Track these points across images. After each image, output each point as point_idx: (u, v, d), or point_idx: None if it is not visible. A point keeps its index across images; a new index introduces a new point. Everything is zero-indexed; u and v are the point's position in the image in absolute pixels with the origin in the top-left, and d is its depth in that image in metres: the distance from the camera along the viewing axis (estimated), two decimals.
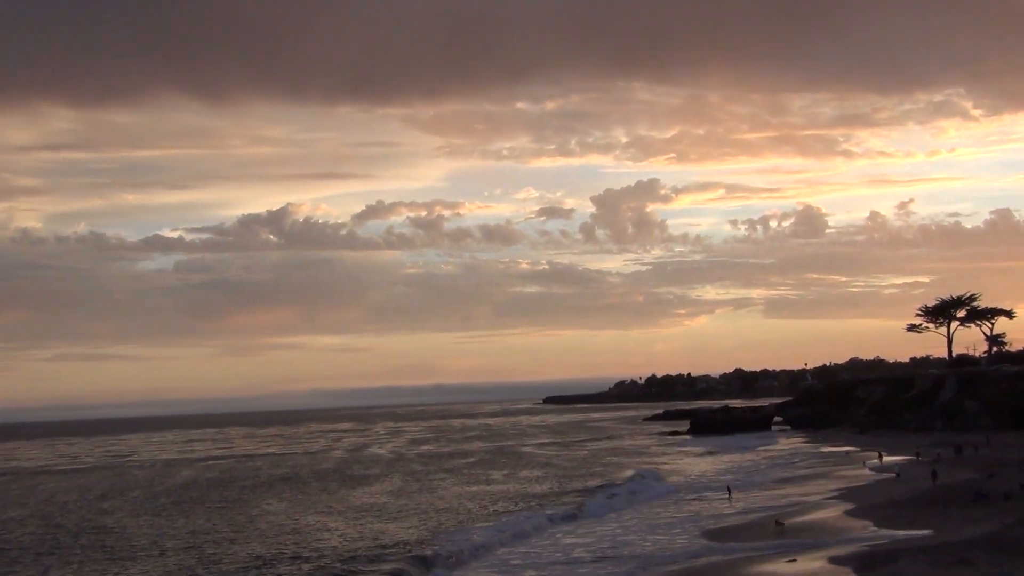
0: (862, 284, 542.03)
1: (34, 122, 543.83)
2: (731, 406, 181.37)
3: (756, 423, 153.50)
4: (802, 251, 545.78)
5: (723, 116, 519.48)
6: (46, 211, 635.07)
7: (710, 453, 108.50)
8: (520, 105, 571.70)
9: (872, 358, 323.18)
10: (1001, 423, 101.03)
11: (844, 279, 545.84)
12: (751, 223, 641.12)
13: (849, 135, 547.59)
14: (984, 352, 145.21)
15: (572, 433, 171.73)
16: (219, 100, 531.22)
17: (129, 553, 49.34)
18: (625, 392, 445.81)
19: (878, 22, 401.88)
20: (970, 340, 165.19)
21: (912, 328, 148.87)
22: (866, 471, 75.98)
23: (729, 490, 66.38)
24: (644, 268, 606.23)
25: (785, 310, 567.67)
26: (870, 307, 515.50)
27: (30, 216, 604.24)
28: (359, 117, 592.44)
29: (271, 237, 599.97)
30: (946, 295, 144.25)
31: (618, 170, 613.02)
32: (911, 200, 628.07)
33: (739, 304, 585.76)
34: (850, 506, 53.77)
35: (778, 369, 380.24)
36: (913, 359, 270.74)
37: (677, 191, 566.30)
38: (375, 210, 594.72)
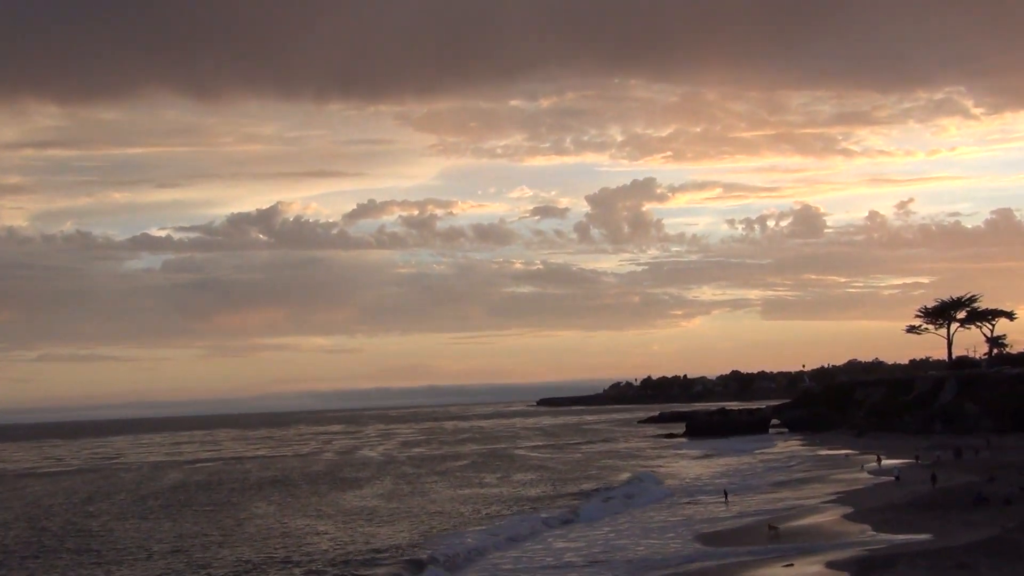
0: (861, 285, 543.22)
1: (20, 119, 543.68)
2: (728, 408, 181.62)
3: (753, 426, 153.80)
4: (800, 251, 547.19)
5: (720, 114, 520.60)
6: (32, 209, 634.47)
7: (706, 456, 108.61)
8: (514, 102, 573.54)
9: (871, 360, 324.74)
10: (1002, 426, 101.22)
11: (843, 280, 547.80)
12: (748, 223, 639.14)
13: (848, 133, 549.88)
14: (984, 354, 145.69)
15: (566, 436, 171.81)
16: (208, 97, 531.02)
17: (115, 557, 49.28)
18: (620, 394, 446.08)
19: (878, 19, 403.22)
20: (970, 342, 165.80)
21: (911, 329, 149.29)
22: (864, 474, 76.09)
23: (726, 494, 66.46)
24: (640, 268, 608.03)
25: (783, 311, 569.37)
26: (869, 308, 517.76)
27: (16, 215, 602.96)
28: (351, 114, 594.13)
29: (261, 236, 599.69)
30: (946, 296, 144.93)
31: (614, 169, 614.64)
32: (911, 199, 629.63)
33: (736, 305, 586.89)
34: (848, 510, 53.84)
35: (775, 371, 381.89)
36: (912, 361, 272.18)
37: (673, 190, 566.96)
38: (367, 209, 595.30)
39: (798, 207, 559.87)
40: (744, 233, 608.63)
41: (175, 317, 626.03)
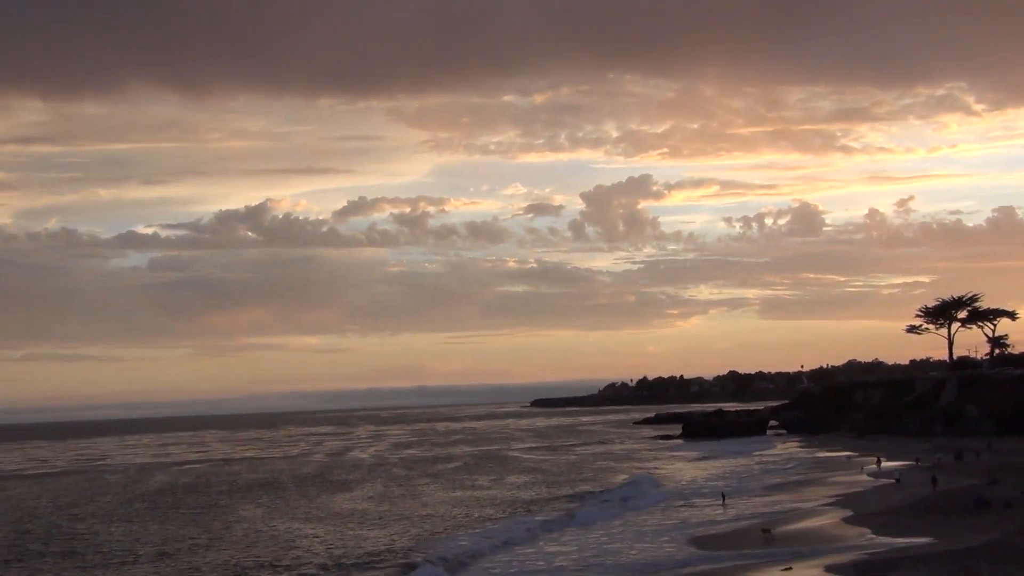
0: (860, 284, 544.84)
1: (3, 114, 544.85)
2: (725, 410, 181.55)
3: (751, 427, 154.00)
4: (799, 250, 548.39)
5: (718, 110, 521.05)
6: (16, 206, 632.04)
7: (703, 458, 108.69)
8: (508, 98, 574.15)
9: (870, 360, 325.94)
10: (1003, 428, 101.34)
11: (842, 279, 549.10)
12: (746, 221, 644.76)
13: (848, 130, 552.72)
14: (986, 354, 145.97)
15: (560, 437, 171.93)
16: (195, 92, 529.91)
17: (101, 561, 49.24)
18: (615, 395, 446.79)
19: (878, 13, 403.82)
20: (971, 342, 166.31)
21: (912, 329, 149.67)
22: (864, 477, 76.21)
23: (723, 496, 66.49)
24: (635, 267, 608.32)
25: (781, 310, 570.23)
26: (868, 308, 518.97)
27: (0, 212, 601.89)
28: (341, 110, 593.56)
29: (249, 234, 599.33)
30: (947, 295, 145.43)
31: (609, 165, 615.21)
32: (911, 197, 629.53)
33: (733, 304, 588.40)
34: (847, 513, 53.89)
35: (773, 371, 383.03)
36: (913, 361, 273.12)
37: (670, 187, 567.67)
38: (357, 206, 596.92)
39: (796, 205, 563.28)
40: (742, 231, 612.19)
41: (162, 316, 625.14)
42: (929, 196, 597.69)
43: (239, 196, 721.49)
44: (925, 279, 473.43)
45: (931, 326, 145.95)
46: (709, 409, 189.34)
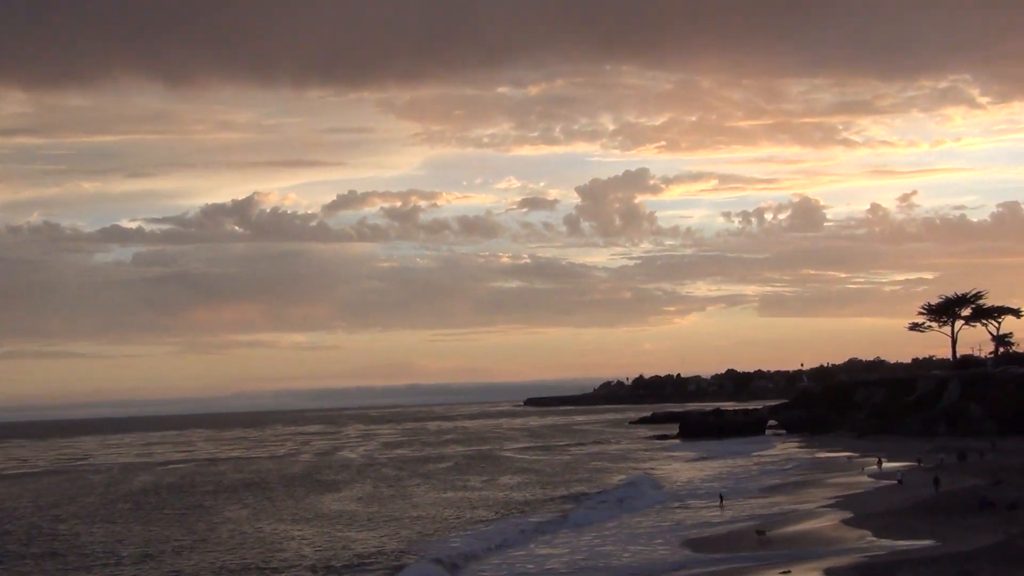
0: (862, 280, 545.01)
1: None
2: (723, 409, 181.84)
3: (749, 427, 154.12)
4: (799, 245, 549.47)
5: (716, 102, 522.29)
6: None
7: (700, 458, 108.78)
8: (502, 89, 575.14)
9: (872, 359, 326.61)
10: (1007, 428, 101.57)
11: (843, 275, 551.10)
12: (745, 215, 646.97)
13: (849, 123, 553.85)
14: (990, 353, 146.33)
15: (555, 437, 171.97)
16: (181, 83, 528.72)
17: (83, 563, 49.18)
18: (611, 394, 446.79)
19: (881, 3, 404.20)
20: (975, 340, 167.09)
21: (914, 327, 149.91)
22: (865, 478, 76.35)
23: (721, 498, 66.48)
24: (632, 262, 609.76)
25: (780, 307, 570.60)
26: (870, 305, 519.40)
27: None
28: (330, 101, 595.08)
29: (236, 228, 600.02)
30: (950, 292, 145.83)
31: (605, 159, 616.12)
32: (914, 192, 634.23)
33: (732, 301, 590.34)
34: (847, 514, 53.96)
35: (773, 370, 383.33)
36: (915, 360, 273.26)
37: (667, 181, 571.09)
38: (347, 200, 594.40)
39: (797, 199, 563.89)
40: (740, 226, 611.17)
41: (146, 312, 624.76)
42: (932, 191, 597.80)
43: (226, 189, 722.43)
44: (928, 275, 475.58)
45: (934, 324, 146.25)
46: (707, 408, 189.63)
